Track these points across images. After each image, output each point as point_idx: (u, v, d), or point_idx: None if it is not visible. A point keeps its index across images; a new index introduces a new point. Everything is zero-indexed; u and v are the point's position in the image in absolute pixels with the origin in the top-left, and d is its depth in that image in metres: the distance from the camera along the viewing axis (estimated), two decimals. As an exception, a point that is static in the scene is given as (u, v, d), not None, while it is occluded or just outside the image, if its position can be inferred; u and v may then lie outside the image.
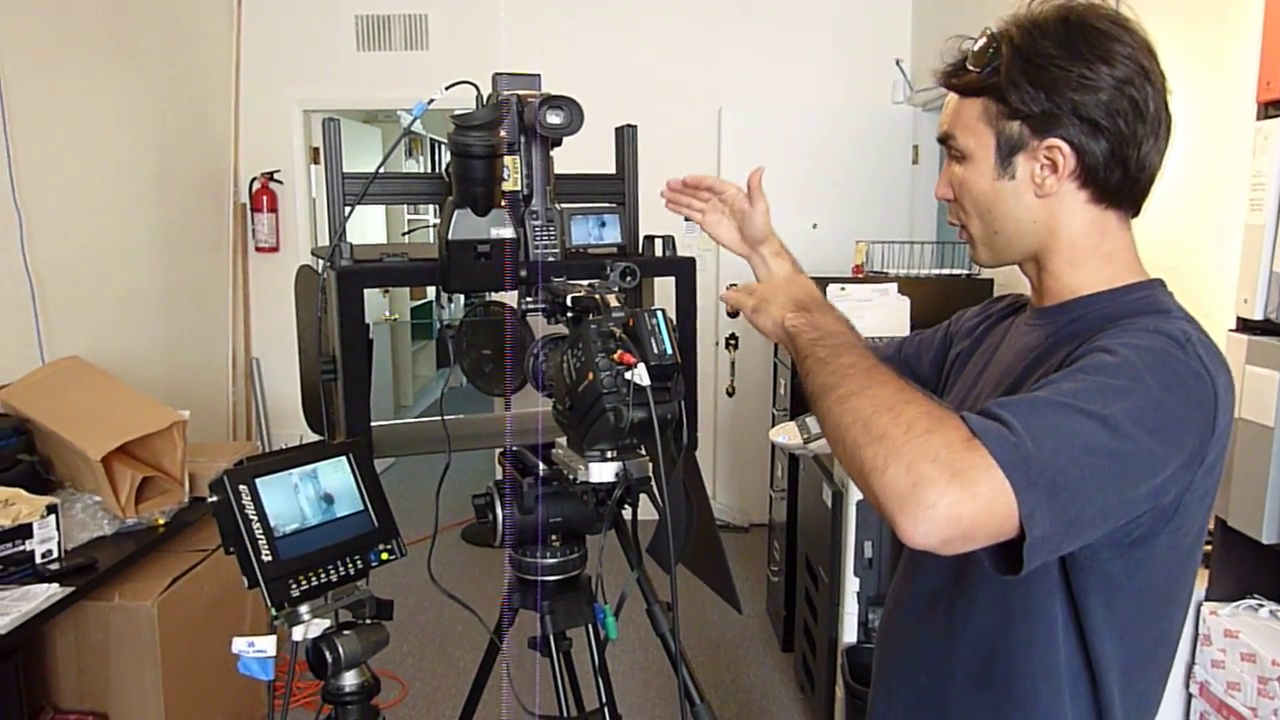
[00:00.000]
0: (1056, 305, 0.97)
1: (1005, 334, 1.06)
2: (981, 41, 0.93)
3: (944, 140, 1.00)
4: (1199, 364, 0.83)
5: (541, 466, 1.37)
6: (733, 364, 4.70)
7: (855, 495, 2.36)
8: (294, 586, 1.11)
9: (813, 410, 0.88)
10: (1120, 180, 0.91)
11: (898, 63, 4.55)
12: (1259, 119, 1.52)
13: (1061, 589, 0.91)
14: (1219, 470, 0.88)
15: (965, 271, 3.58)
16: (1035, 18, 0.91)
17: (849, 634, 2.47)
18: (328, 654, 1.15)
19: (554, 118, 1.21)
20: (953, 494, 0.73)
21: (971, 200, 0.98)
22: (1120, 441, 0.77)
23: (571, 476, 1.26)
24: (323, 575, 1.14)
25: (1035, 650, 0.93)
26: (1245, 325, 1.54)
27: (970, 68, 0.94)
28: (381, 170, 1.39)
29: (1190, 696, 1.65)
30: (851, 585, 2.45)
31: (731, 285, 1.23)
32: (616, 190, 1.62)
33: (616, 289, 1.19)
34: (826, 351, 0.89)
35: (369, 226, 5.77)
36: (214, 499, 1.10)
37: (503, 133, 1.20)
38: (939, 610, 1.02)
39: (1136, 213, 0.96)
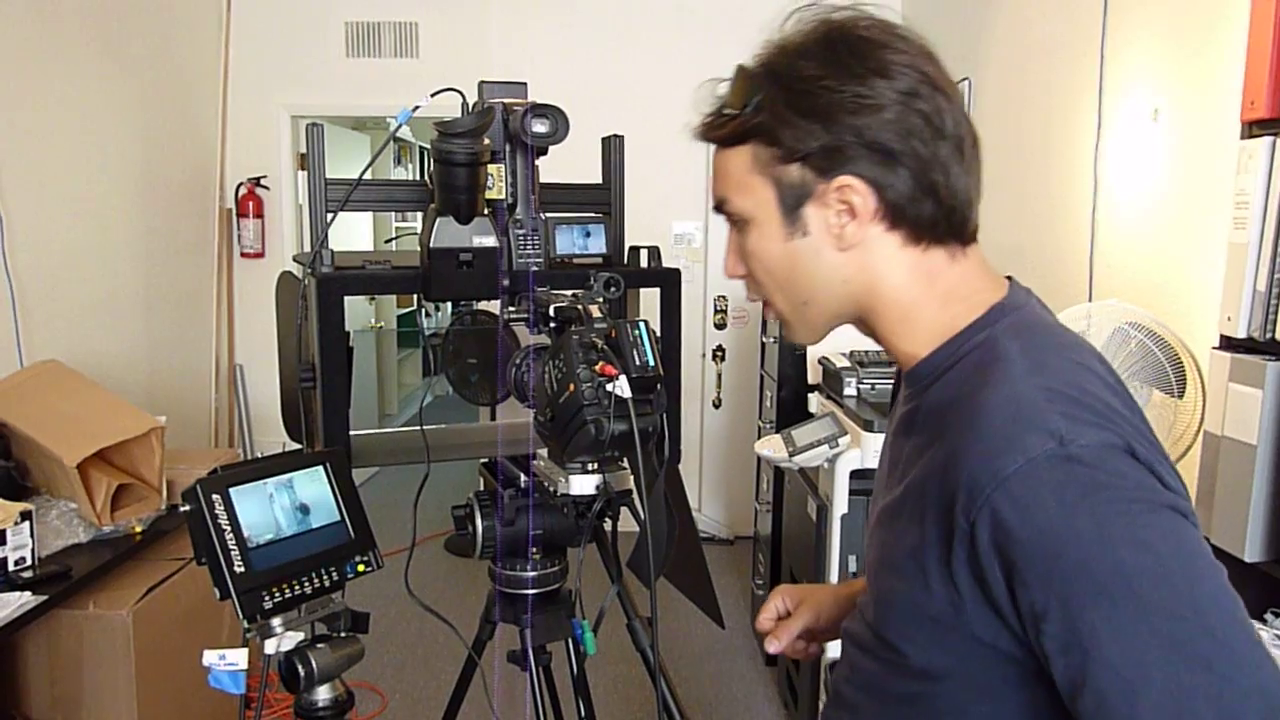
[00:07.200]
0: (909, 373, 0.82)
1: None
2: (736, 78, 0.77)
3: (719, 208, 0.83)
4: (1098, 458, 0.66)
5: (523, 478, 1.36)
6: (719, 376, 4.70)
7: (839, 509, 2.35)
8: (267, 598, 1.09)
9: None
10: (934, 213, 0.76)
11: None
12: (1243, 138, 1.52)
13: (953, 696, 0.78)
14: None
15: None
16: (793, 39, 0.76)
17: (832, 649, 2.46)
18: (300, 668, 1.13)
19: (539, 126, 1.20)
20: None
21: (766, 271, 0.81)
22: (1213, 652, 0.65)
23: (552, 488, 1.24)
24: (297, 587, 1.12)
25: None
26: (1229, 343, 1.54)
27: (728, 112, 0.78)
28: (366, 177, 1.38)
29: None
30: (835, 599, 2.44)
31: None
32: (603, 200, 1.62)
33: (600, 299, 1.18)
34: None
35: (355, 233, 5.74)
36: (186, 508, 1.08)
37: (487, 140, 1.18)
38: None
39: (967, 241, 0.80)
